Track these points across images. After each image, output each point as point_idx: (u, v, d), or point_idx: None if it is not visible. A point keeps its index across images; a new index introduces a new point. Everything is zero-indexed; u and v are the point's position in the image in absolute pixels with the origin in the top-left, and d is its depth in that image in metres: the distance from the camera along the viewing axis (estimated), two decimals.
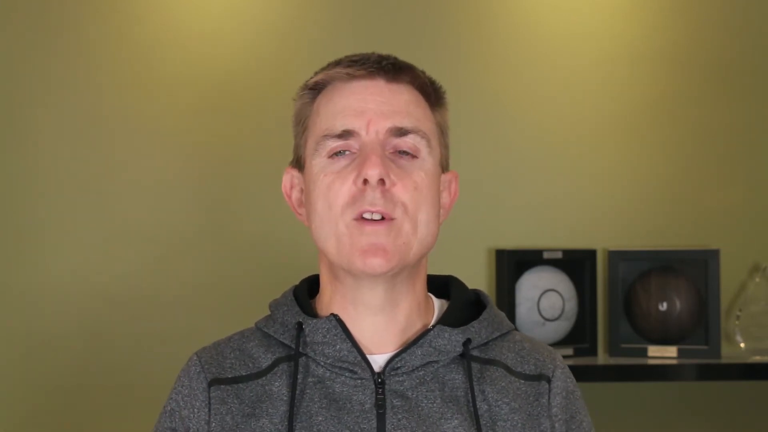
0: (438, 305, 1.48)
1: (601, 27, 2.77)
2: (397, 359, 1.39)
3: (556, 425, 1.42)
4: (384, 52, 1.46)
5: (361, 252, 1.36)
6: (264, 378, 1.42)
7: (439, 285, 1.51)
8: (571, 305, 2.70)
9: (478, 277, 2.72)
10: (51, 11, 2.63)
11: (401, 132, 1.39)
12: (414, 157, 1.39)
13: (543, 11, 2.76)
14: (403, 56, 1.48)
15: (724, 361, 2.63)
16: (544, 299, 2.67)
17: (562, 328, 2.69)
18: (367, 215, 1.36)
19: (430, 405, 1.38)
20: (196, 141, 2.66)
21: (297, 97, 1.46)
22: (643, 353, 2.68)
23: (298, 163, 1.45)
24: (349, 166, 1.38)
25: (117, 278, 2.62)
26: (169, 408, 1.45)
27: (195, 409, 1.42)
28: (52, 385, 2.60)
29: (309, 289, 1.49)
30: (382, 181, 1.36)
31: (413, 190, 1.38)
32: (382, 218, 1.36)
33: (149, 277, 2.63)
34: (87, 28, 2.64)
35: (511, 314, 2.64)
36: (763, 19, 2.82)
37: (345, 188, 1.37)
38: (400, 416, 1.37)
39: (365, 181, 1.36)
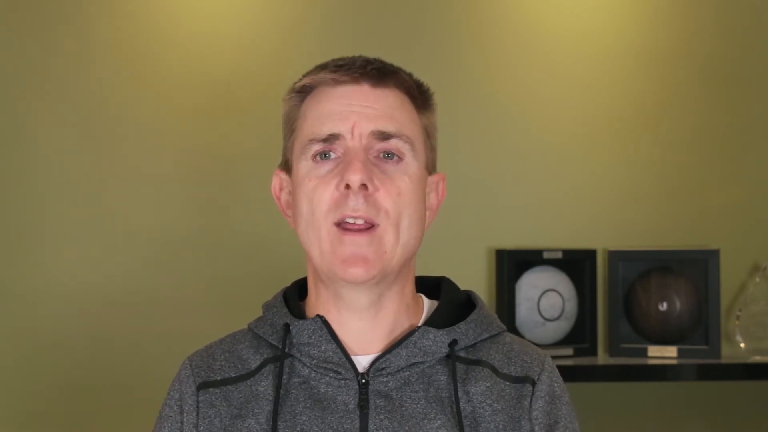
0: (427, 306, 1.49)
1: (600, 27, 2.77)
2: (381, 360, 1.40)
3: (536, 428, 1.41)
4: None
5: (342, 261, 1.37)
6: (252, 379, 1.43)
7: (432, 286, 1.52)
8: (571, 305, 2.70)
9: (478, 277, 2.72)
10: (50, 11, 2.63)
11: (385, 136, 1.40)
12: (398, 160, 1.40)
13: (543, 11, 2.76)
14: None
15: (724, 361, 2.63)
16: (544, 299, 2.67)
17: (562, 328, 2.69)
18: (349, 220, 1.37)
19: (414, 405, 1.39)
20: (196, 141, 2.66)
21: (285, 99, 1.47)
22: (643, 353, 2.68)
23: (286, 166, 1.47)
24: (333, 170, 1.39)
25: (117, 278, 2.63)
26: (163, 413, 1.46)
27: (185, 414, 1.43)
28: (52, 385, 2.60)
29: (300, 291, 1.50)
30: (364, 186, 1.37)
31: (396, 196, 1.39)
32: (365, 224, 1.37)
33: (149, 277, 2.64)
34: (87, 28, 2.64)
35: (511, 314, 2.64)
36: (762, 19, 2.82)
37: (328, 193, 1.38)
38: (382, 416, 1.38)
39: (347, 186, 1.37)
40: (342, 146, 1.39)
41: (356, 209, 1.37)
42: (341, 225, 1.38)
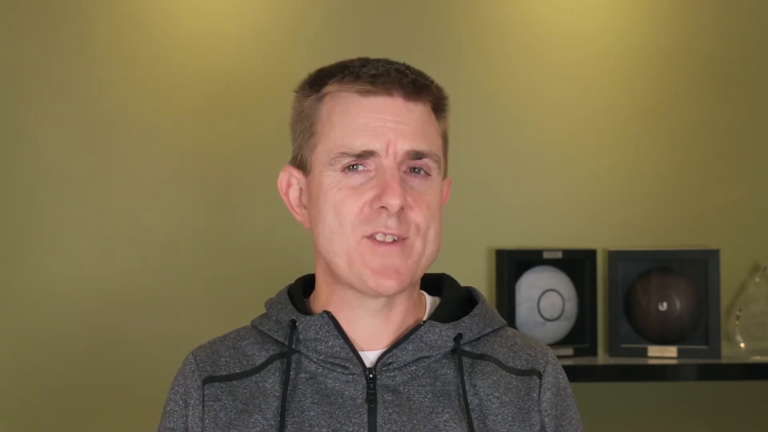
0: (430, 302, 1.50)
1: (601, 27, 2.77)
2: (388, 355, 1.41)
3: (546, 420, 1.43)
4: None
5: (374, 272, 1.38)
6: (258, 375, 1.43)
7: (432, 283, 1.53)
8: (571, 305, 2.70)
9: (478, 277, 2.72)
10: (50, 11, 2.63)
11: (418, 156, 1.40)
12: (426, 176, 1.41)
13: (543, 11, 2.76)
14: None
15: (724, 361, 2.63)
16: (544, 299, 2.67)
17: (562, 328, 2.69)
18: (379, 237, 1.38)
19: (422, 399, 1.40)
20: (196, 141, 2.66)
21: (299, 91, 1.45)
22: (643, 353, 2.68)
23: (301, 164, 1.44)
24: (366, 184, 1.38)
25: (117, 278, 2.63)
26: (168, 408, 1.47)
27: (190, 407, 1.44)
28: (52, 384, 2.60)
29: (304, 288, 1.50)
30: (401, 209, 1.37)
31: (426, 210, 1.40)
32: (395, 239, 1.38)
33: (149, 277, 2.64)
34: (87, 28, 2.64)
35: (511, 314, 2.64)
36: (762, 19, 2.82)
37: (357, 206, 1.38)
38: (390, 410, 1.38)
39: (383, 207, 1.37)
40: (375, 162, 1.39)
41: (389, 227, 1.37)
42: (371, 237, 1.38)
